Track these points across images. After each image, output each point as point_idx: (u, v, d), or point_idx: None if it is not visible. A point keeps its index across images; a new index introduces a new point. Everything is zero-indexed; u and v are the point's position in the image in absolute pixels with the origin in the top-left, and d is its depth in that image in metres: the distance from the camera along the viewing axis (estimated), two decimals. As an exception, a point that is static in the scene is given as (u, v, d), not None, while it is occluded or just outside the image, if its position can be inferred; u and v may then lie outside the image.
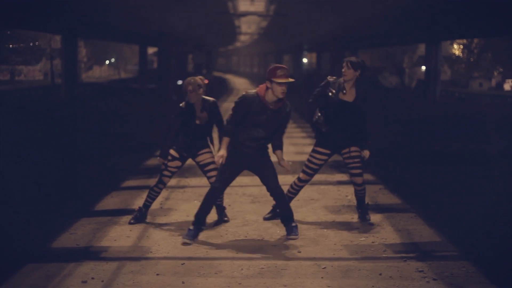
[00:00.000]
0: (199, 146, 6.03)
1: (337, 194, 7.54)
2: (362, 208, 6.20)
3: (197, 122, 5.89)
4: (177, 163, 6.03)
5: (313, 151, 6.03)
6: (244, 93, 5.40)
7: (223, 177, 5.52)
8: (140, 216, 6.13)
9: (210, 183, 5.92)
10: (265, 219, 6.23)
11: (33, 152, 11.12)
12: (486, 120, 18.44)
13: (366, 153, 6.06)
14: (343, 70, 5.78)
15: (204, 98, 5.91)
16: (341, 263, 4.90)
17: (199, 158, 6.05)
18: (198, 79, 5.90)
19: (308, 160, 6.05)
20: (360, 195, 6.14)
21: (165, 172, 6.05)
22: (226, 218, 6.21)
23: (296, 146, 11.93)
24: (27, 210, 6.69)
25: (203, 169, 6.07)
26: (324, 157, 6.01)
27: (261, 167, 5.54)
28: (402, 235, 5.73)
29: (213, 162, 5.99)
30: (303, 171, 6.08)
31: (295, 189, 6.17)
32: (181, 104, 5.95)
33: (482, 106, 26.82)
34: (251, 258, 5.02)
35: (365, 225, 6.06)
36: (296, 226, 5.65)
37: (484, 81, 54.75)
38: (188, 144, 5.98)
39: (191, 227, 5.52)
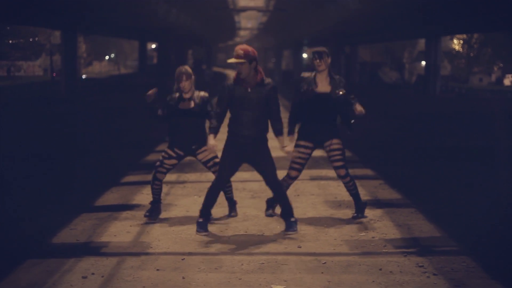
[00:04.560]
0: (196, 143, 5.98)
1: (337, 189, 7.53)
2: (357, 205, 6.15)
3: (180, 107, 5.89)
4: (173, 161, 6.02)
5: (296, 145, 6.00)
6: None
7: (223, 170, 5.56)
8: (152, 211, 6.15)
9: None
10: (268, 215, 6.22)
11: (32, 148, 11.12)
12: (486, 116, 18.43)
13: (358, 107, 5.90)
14: (315, 62, 5.86)
15: (195, 90, 5.95)
16: (341, 258, 4.90)
17: (200, 156, 6.03)
18: (188, 68, 5.94)
19: (294, 156, 6.04)
20: (351, 190, 6.08)
21: (160, 169, 6.03)
22: (233, 214, 6.21)
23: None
24: (26, 205, 6.69)
25: (206, 165, 6.06)
26: (307, 151, 6.01)
27: (259, 160, 5.56)
28: (402, 230, 5.73)
29: (215, 157, 5.98)
30: (291, 168, 6.05)
31: (285, 185, 6.15)
32: (169, 97, 6.00)
33: (482, 101, 26.81)
34: (251, 253, 5.02)
35: (364, 220, 6.05)
36: (295, 221, 5.65)
37: (484, 76, 54.79)
38: (180, 139, 5.95)
39: (200, 220, 5.60)
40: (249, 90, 5.43)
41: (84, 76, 46.33)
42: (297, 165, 6.03)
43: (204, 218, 5.61)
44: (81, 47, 48.81)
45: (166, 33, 33.76)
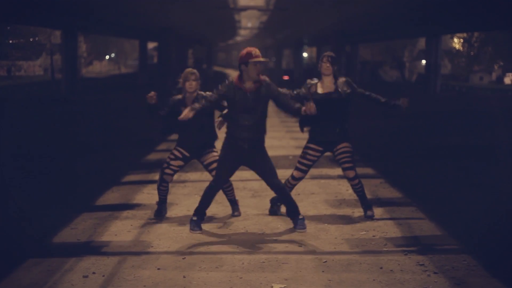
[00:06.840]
0: (201, 145, 6.00)
1: (338, 188, 7.53)
2: (364, 205, 6.16)
3: (182, 109, 5.90)
4: (179, 162, 6.03)
5: (306, 147, 6.05)
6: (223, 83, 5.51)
7: (222, 170, 5.57)
8: (158, 212, 6.17)
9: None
10: (272, 214, 6.23)
11: (33, 147, 11.13)
12: (486, 114, 18.44)
13: (404, 101, 6.13)
14: (325, 65, 5.87)
15: (198, 92, 5.97)
16: (342, 257, 4.91)
17: (203, 158, 6.05)
18: (196, 71, 6.01)
19: (301, 157, 6.06)
20: (358, 191, 6.10)
21: (167, 170, 6.04)
22: (236, 213, 6.21)
23: (296, 140, 11.92)
24: (27, 205, 6.68)
25: (207, 168, 6.07)
26: (317, 154, 6.02)
27: (257, 162, 5.58)
28: (402, 228, 5.73)
29: (217, 161, 5.98)
30: (297, 168, 6.07)
31: (289, 186, 6.15)
32: (174, 96, 6.03)
33: (482, 100, 26.81)
34: (252, 252, 5.02)
35: (366, 219, 6.06)
36: (303, 219, 5.66)
37: (485, 74, 54.77)
38: (187, 141, 5.98)
39: (194, 218, 5.62)
40: (248, 94, 5.41)
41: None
42: (303, 166, 6.04)
43: (198, 217, 5.63)
44: (81, 47, 48.81)
45: (166, 33, 33.77)
